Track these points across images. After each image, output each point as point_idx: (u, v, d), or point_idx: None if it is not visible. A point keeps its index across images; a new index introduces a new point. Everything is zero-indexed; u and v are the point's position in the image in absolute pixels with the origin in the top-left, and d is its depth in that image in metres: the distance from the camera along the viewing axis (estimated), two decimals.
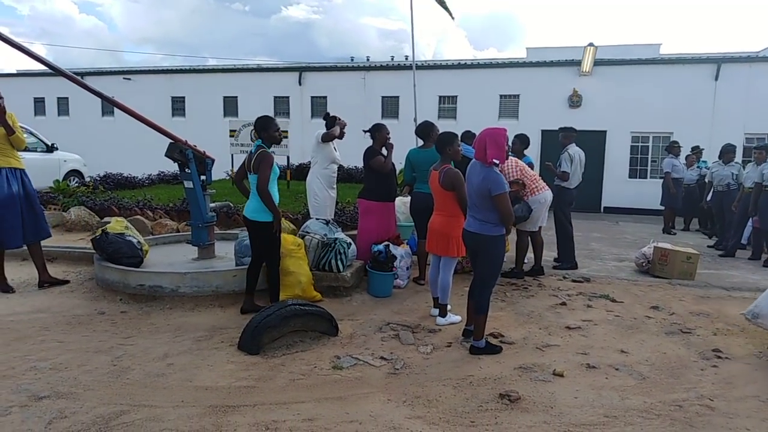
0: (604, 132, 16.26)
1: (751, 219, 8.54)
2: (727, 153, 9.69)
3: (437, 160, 5.07)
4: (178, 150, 5.75)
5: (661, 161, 11.55)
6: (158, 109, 18.76)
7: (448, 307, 5.05)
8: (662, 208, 11.65)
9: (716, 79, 15.46)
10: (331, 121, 6.71)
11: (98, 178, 12.09)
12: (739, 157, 11.60)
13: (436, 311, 5.12)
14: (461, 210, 4.83)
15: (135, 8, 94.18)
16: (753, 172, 8.44)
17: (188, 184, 5.86)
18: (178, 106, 20.44)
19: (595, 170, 16.36)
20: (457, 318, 4.99)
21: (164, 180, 13.36)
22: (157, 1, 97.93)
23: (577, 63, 16.25)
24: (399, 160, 6.22)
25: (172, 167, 10.66)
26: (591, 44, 16.13)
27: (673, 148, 11.51)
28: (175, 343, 4.31)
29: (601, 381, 3.83)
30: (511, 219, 4.25)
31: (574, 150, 7.39)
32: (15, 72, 24.05)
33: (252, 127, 12.37)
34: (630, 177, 16.40)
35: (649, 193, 15.29)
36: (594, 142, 16.26)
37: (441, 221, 4.96)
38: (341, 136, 6.75)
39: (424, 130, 6.10)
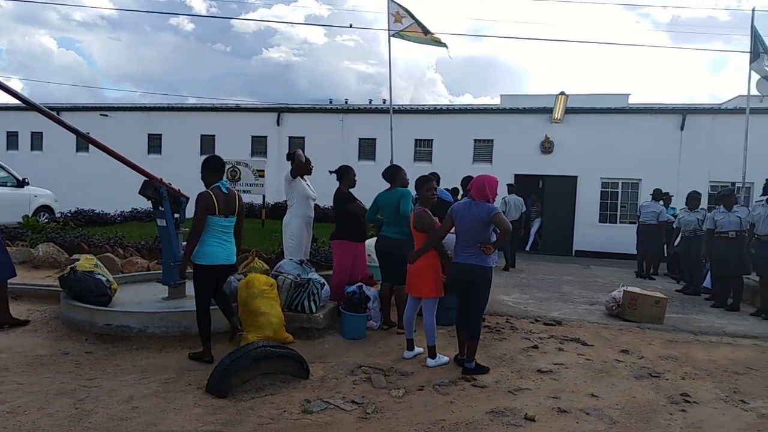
0: (575, 177, 16.66)
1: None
2: (693, 200, 9.96)
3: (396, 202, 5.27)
4: (152, 188, 5.72)
5: (644, 208, 11.67)
6: (134, 146, 18.73)
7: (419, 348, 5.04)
8: (635, 252, 11.78)
9: (682, 129, 16.10)
10: (291, 157, 6.63)
11: (69, 214, 11.87)
12: (704, 204, 11.92)
13: (410, 354, 5.10)
14: (436, 250, 4.92)
15: (115, 45, 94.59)
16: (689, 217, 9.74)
17: (161, 222, 5.81)
18: (154, 143, 20.39)
19: (567, 214, 16.69)
20: (446, 359, 4.97)
21: (137, 217, 13.17)
22: (138, 39, 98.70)
23: (549, 110, 16.76)
24: (368, 202, 6.22)
25: (145, 204, 10.51)
26: (562, 93, 16.68)
27: (660, 195, 11.58)
28: (141, 385, 4.20)
29: (572, 425, 3.83)
30: (510, 232, 4.70)
31: (510, 198, 11.59)
32: None
33: (231, 167, 12.46)
34: (600, 221, 16.75)
35: (618, 237, 15.59)
36: (565, 187, 16.65)
37: (420, 263, 4.93)
38: (308, 170, 6.64)
39: (391, 173, 6.04)
